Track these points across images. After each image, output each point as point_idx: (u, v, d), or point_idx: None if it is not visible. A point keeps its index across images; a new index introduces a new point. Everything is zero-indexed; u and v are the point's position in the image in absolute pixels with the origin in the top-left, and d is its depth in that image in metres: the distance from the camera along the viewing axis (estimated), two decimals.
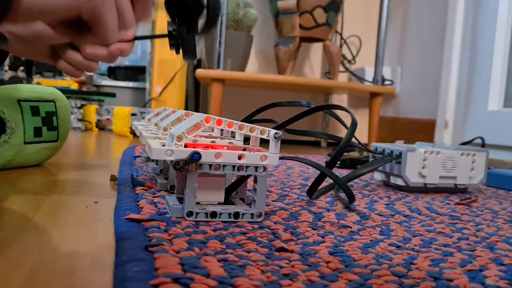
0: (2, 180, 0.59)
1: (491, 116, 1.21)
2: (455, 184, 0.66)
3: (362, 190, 0.64)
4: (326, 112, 0.66)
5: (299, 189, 0.62)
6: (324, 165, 0.55)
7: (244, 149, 0.44)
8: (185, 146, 0.41)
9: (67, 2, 0.35)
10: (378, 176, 0.69)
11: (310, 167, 0.87)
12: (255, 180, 0.42)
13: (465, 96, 1.28)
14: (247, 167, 0.41)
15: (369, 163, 0.64)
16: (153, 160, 0.68)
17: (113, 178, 0.65)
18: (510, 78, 1.22)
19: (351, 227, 0.42)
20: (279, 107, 0.77)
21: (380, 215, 0.49)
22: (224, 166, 0.41)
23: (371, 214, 0.49)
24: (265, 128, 0.43)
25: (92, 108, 1.60)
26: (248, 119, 0.81)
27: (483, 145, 1.08)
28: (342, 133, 1.67)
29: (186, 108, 1.64)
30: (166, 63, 1.61)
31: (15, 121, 0.67)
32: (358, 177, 0.63)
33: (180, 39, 0.48)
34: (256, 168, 0.42)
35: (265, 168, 0.42)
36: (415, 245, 0.38)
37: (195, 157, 0.39)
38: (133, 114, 1.47)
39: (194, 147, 0.42)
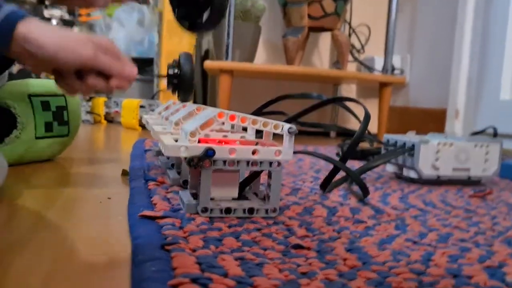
0: (15, 175, 0.60)
1: (503, 105, 1.19)
2: (469, 176, 0.65)
3: (375, 182, 0.64)
4: (338, 104, 0.65)
5: (311, 182, 0.61)
6: (336, 158, 0.55)
7: (257, 144, 0.44)
8: (198, 141, 0.40)
9: None
10: (390, 168, 0.69)
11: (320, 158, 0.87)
12: (269, 175, 0.42)
13: (476, 85, 1.27)
14: (261, 162, 0.41)
15: (382, 155, 0.64)
16: (163, 154, 0.68)
17: (124, 173, 0.65)
18: None
19: (366, 222, 0.42)
20: (289, 99, 0.76)
21: (395, 209, 0.48)
22: (238, 161, 0.40)
23: (385, 208, 0.48)
24: (278, 122, 0.43)
25: (100, 100, 1.60)
26: (258, 112, 0.81)
27: (495, 134, 1.07)
28: (352, 123, 1.67)
29: (194, 100, 1.64)
30: (173, 55, 1.60)
31: (26, 117, 0.68)
32: (371, 169, 0.62)
33: (178, 82, 0.51)
34: (271, 163, 0.41)
35: (279, 163, 0.42)
36: (431, 241, 0.38)
37: (209, 153, 0.39)
38: (141, 106, 1.47)
39: (207, 142, 0.41)
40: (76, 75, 0.52)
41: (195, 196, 0.44)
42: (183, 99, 0.60)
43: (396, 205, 0.50)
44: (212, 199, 0.42)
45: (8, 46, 0.48)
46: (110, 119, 1.65)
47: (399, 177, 0.68)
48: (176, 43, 1.59)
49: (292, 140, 0.42)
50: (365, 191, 0.50)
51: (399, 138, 0.67)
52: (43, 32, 0.50)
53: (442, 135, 0.69)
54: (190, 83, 0.60)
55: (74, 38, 0.51)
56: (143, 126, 1.44)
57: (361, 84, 1.58)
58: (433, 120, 1.40)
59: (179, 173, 0.55)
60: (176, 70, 0.59)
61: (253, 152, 0.41)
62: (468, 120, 1.29)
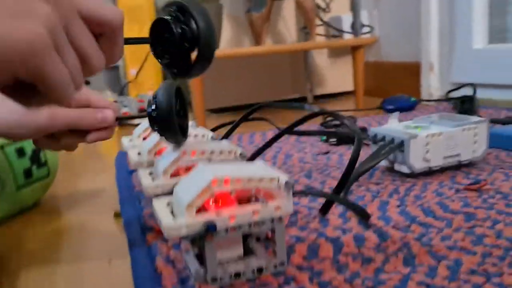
0: (5, 237, 0.58)
1: (477, 54, 1.19)
2: (459, 161, 0.65)
3: (369, 184, 0.64)
4: (329, 115, 0.64)
5: (306, 195, 0.61)
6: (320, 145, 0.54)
7: (254, 199, 0.42)
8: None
9: None
10: (382, 162, 0.68)
11: (307, 151, 0.86)
12: (272, 231, 0.41)
13: (448, 36, 1.26)
14: (262, 222, 0.40)
15: (373, 156, 0.63)
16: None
17: (116, 215, 0.64)
18: (492, 12, 1.19)
19: (374, 260, 0.42)
20: (271, 107, 0.75)
21: (397, 228, 0.49)
22: (239, 226, 0.39)
23: (387, 229, 0.48)
24: (273, 175, 0.41)
25: None
26: (241, 121, 0.79)
27: (474, 91, 1.07)
28: (328, 86, 1.65)
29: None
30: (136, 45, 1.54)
31: (3, 171, 0.64)
32: (365, 173, 0.62)
33: (159, 121, 0.46)
34: (272, 219, 0.41)
35: (280, 218, 0.41)
36: (443, 279, 0.38)
37: (210, 229, 0.38)
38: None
39: (203, 207, 0.40)
40: (47, 137, 0.48)
41: (200, 258, 0.43)
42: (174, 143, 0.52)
43: (397, 222, 0.50)
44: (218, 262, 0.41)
45: None
46: None
47: (391, 170, 0.68)
48: (137, 31, 1.52)
49: (290, 193, 0.40)
50: (365, 217, 0.50)
51: (387, 132, 0.66)
52: None
53: (427, 119, 0.69)
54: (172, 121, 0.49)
55: (15, 110, 0.44)
56: (119, 123, 1.40)
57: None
58: (409, 74, 1.40)
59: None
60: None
61: (253, 213, 0.40)
62: (443, 72, 1.29)
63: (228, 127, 0.82)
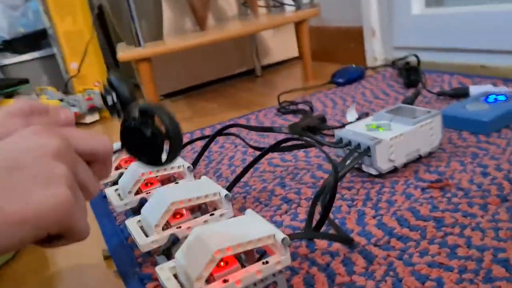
0: None
1: (416, 19, 1.23)
2: (419, 155, 0.70)
3: (341, 188, 0.68)
4: (301, 140, 0.66)
5: (286, 212, 0.64)
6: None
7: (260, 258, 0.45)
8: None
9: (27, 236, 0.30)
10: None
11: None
12: (274, 282, 0.45)
13: (387, 2, 1.29)
14: (266, 278, 0.43)
15: (344, 163, 0.67)
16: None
17: (105, 255, 0.65)
18: None
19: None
20: (238, 127, 0.76)
21: (379, 246, 0.53)
22: (246, 287, 0.42)
23: (370, 248, 0.53)
24: (269, 232, 0.44)
25: (7, 102, 1.47)
26: (214, 136, 0.80)
27: (418, 62, 1.12)
28: (273, 55, 1.66)
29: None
30: (72, 35, 1.47)
31: None
32: (340, 180, 0.66)
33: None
34: (274, 274, 0.44)
35: (281, 271, 0.44)
36: None
37: None
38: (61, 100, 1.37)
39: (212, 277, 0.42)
40: None
41: None
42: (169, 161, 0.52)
43: (377, 238, 0.55)
44: None
45: None
46: None
47: (358, 170, 0.72)
48: (71, 22, 1.44)
49: (288, 249, 0.43)
50: (349, 243, 0.54)
51: (352, 137, 0.69)
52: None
53: (387, 117, 0.73)
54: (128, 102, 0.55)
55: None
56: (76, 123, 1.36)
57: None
58: (352, 39, 1.43)
59: (168, 257, 0.55)
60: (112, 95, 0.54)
61: (257, 272, 0.43)
62: (385, 37, 1.33)
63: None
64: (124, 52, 1.14)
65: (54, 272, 0.65)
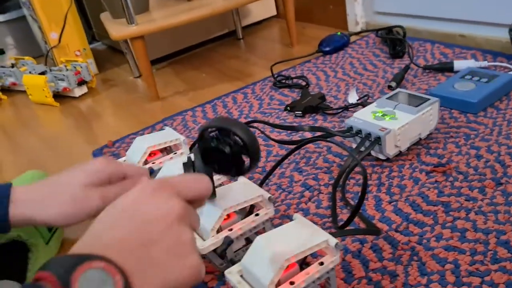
0: None
1: None
2: (420, 138, 0.79)
3: (353, 173, 0.76)
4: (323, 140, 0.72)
5: (309, 199, 0.73)
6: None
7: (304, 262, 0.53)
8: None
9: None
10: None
11: (282, 136, 0.95)
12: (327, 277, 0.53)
13: None
14: (322, 276, 0.52)
15: (357, 150, 0.75)
16: None
17: None
18: None
19: (398, 274, 0.56)
20: (263, 123, 0.81)
21: (399, 231, 0.63)
22: (307, 285, 0.51)
23: (393, 234, 0.62)
24: (324, 241, 0.52)
25: None
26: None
27: (404, 35, 1.19)
28: (251, 15, 1.67)
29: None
30: (50, 4, 1.42)
31: (31, 235, 0.68)
32: (352, 171, 0.74)
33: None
34: (328, 271, 0.52)
35: (333, 268, 0.53)
36: (452, 285, 0.53)
37: None
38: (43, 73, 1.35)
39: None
40: None
41: None
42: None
43: (396, 223, 0.64)
44: None
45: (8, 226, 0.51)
46: (7, 89, 1.51)
47: (367, 154, 0.80)
48: None
49: (338, 250, 0.52)
50: (378, 234, 0.62)
51: (361, 126, 0.77)
52: (38, 207, 0.52)
53: (389, 102, 0.80)
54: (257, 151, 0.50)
55: (72, 200, 0.51)
56: (59, 96, 1.36)
57: None
58: (332, 1, 1.46)
59: (222, 257, 0.62)
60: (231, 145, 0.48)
61: (316, 272, 0.51)
62: (367, 2, 1.37)
63: None
64: (116, 31, 1.14)
65: None
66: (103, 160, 0.55)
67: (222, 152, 0.47)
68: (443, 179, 0.71)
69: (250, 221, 0.61)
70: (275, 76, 1.17)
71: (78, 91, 1.37)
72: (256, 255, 0.52)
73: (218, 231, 0.60)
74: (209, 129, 0.48)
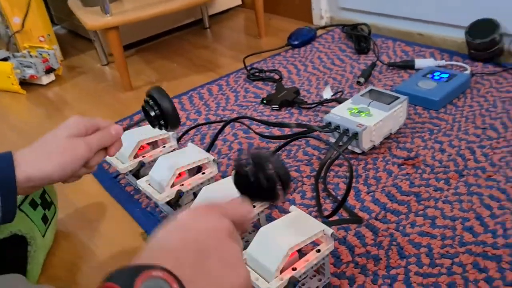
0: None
1: None
2: (390, 133, 0.87)
3: (335, 167, 0.83)
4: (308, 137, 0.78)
5: (294, 190, 0.79)
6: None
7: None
8: None
9: None
10: (334, 139, 0.87)
11: (260, 130, 1.00)
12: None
13: None
14: (319, 262, 0.58)
15: (334, 147, 0.82)
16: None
17: (146, 238, 0.75)
18: None
19: (381, 258, 0.64)
20: (248, 118, 0.85)
21: (378, 219, 0.70)
22: (307, 271, 0.57)
23: (374, 222, 0.70)
24: (321, 230, 0.58)
25: None
26: (217, 136, 0.89)
27: (369, 32, 1.26)
28: (217, 4, 1.69)
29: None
30: None
31: (29, 230, 0.69)
32: (332, 163, 0.81)
33: (164, 120, 0.65)
34: (323, 257, 0.59)
35: (328, 255, 0.59)
36: (428, 266, 0.61)
37: (295, 283, 0.55)
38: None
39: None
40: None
41: None
42: (173, 130, 0.69)
43: (375, 212, 0.71)
44: None
45: (15, 195, 0.54)
46: None
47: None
48: None
49: (332, 239, 0.58)
50: (360, 222, 0.70)
51: (340, 122, 0.83)
52: (36, 164, 0.56)
53: (362, 99, 0.87)
54: (177, 118, 0.66)
55: (62, 150, 0.57)
56: (25, 83, 1.33)
57: None
58: None
59: None
60: (156, 111, 0.65)
61: (314, 259, 0.57)
62: None
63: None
64: (91, 21, 1.14)
65: (101, 260, 0.74)
66: (76, 117, 0.61)
67: (259, 185, 0.51)
68: (413, 171, 0.79)
69: (198, 178, 0.75)
70: (248, 68, 1.21)
71: (46, 79, 1.35)
72: (261, 245, 0.57)
73: (172, 186, 0.72)
74: (245, 161, 0.51)
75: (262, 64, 1.26)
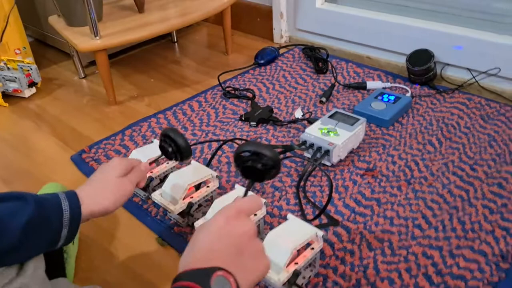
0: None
1: (318, 12, 1.54)
2: (353, 148, 1.07)
3: (311, 178, 1.02)
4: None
5: (280, 198, 0.96)
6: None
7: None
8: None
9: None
10: (309, 154, 1.06)
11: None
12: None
13: None
14: (311, 257, 0.76)
15: (311, 163, 1.00)
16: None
17: (161, 242, 0.89)
18: None
19: (354, 251, 0.83)
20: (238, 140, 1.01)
21: (350, 220, 0.90)
22: (304, 265, 0.75)
23: (346, 223, 0.89)
24: (313, 232, 0.76)
25: None
26: (217, 150, 1.04)
27: (327, 55, 1.46)
28: None
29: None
30: None
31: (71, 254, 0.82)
32: (310, 175, 1.00)
33: (179, 154, 0.82)
34: (316, 254, 0.77)
35: (318, 251, 0.78)
36: (390, 256, 0.82)
37: (298, 274, 0.72)
38: None
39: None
40: None
41: None
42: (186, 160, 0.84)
43: (347, 215, 0.91)
44: None
45: (78, 229, 0.66)
46: None
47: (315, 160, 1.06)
48: None
49: (322, 240, 0.77)
50: (337, 224, 0.89)
51: (314, 140, 1.02)
52: (98, 201, 0.69)
53: (330, 120, 1.07)
54: (189, 152, 0.82)
55: (116, 188, 0.72)
56: (7, 95, 1.40)
57: None
58: (260, 15, 1.69)
59: None
60: (173, 147, 0.81)
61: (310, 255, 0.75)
62: (291, 21, 1.62)
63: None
64: (82, 43, 1.24)
65: (122, 261, 0.87)
66: (118, 159, 0.77)
67: (256, 168, 0.65)
68: (373, 181, 1.00)
69: (204, 191, 0.91)
70: (225, 87, 1.37)
71: (28, 92, 1.42)
72: (270, 246, 0.74)
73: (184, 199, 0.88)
74: (244, 152, 0.66)
75: (234, 81, 1.42)
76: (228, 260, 0.51)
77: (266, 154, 0.64)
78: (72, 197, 0.67)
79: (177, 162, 0.99)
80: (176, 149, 0.81)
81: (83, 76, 1.55)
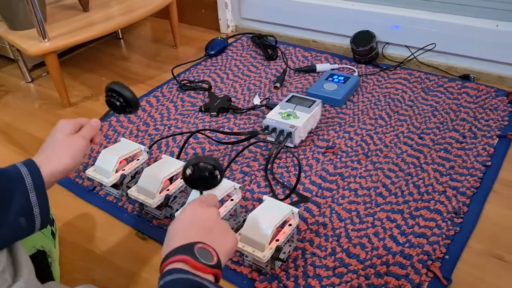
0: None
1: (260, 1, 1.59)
2: (312, 129, 1.14)
3: (276, 160, 1.07)
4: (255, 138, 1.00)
5: (251, 182, 1.01)
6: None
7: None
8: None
9: None
10: (272, 138, 1.11)
11: (208, 136, 1.19)
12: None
13: None
14: (290, 233, 0.82)
15: (276, 146, 1.06)
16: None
17: (142, 237, 0.92)
18: None
19: (326, 223, 0.90)
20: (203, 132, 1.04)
21: (318, 196, 0.96)
22: (284, 240, 0.81)
23: (316, 199, 0.96)
24: (291, 210, 0.82)
25: None
26: (184, 145, 1.06)
27: (275, 42, 1.51)
28: None
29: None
30: None
31: (46, 243, 0.82)
32: (276, 157, 1.05)
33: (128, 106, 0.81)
34: (293, 230, 0.83)
35: (295, 227, 0.84)
36: (358, 223, 0.89)
37: (281, 249, 0.78)
38: None
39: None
40: None
41: None
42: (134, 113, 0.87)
43: (315, 191, 0.98)
44: None
45: (46, 197, 0.66)
46: None
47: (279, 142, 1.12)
48: None
49: (298, 216, 0.83)
50: (307, 200, 0.95)
51: (276, 124, 1.08)
52: (54, 160, 0.71)
53: (288, 104, 1.12)
54: (137, 103, 0.83)
55: (68, 146, 0.72)
56: None
57: None
58: (205, 7, 1.71)
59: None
60: (121, 100, 0.81)
61: (289, 231, 0.81)
62: (236, 10, 1.66)
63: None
64: (31, 47, 1.21)
65: (106, 257, 0.89)
66: (64, 120, 0.76)
67: (204, 177, 0.71)
68: (334, 157, 1.07)
69: (179, 183, 0.94)
70: (180, 80, 1.39)
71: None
72: (252, 226, 0.80)
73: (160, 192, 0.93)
74: (188, 167, 0.70)
75: (188, 74, 1.45)
76: (202, 238, 0.60)
77: (210, 162, 0.70)
78: (29, 162, 0.67)
79: (128, 114, 0.99)
80: (124, 102, 0.82)
81: (30, 80, 1.51)
